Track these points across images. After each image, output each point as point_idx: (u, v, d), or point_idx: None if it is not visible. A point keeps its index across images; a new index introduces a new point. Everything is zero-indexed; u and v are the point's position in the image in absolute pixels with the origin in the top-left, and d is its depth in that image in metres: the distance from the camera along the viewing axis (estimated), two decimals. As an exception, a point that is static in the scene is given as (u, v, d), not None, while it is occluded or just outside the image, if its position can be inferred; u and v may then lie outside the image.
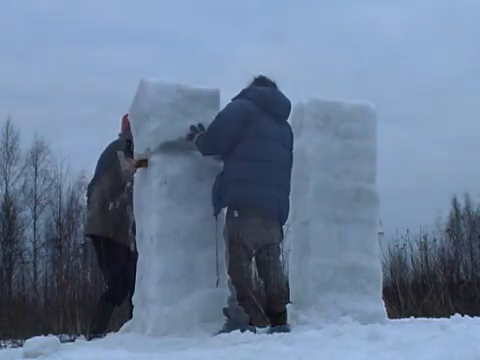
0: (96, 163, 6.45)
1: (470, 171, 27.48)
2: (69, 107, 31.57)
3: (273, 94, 5.20)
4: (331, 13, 35.36)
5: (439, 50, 36.08)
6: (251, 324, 4.88)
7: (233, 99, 5.26)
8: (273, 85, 5.28)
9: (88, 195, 6.45)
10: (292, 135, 5.30)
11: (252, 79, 5.33)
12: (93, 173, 6.49)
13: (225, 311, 4.90)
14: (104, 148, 6.51)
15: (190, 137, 5.20)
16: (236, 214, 4.95)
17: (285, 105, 5.25)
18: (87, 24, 32.82)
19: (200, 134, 5.18)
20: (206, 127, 5.18)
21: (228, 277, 5.01)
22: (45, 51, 32.14)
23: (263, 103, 5.11)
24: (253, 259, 5.14)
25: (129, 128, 6.22)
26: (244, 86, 5.32)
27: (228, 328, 4.71)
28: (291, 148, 5.26)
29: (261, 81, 5.29)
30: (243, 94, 5.21)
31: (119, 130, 6.51)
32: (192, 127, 5.21)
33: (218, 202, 5.05)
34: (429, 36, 36.02)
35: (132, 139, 5.81)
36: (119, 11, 34.79)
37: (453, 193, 26.82)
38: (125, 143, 6.19)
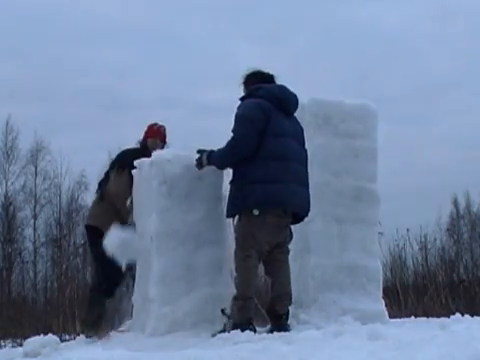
0: (111, 163, 6.50)
1: (470, 170, 27.45)
2: (69, 107, 31.56)
3: (282, 91, 5.15)
4: (330, 12, 35.35)
5: (438, 48, 36.07)
6: (252, 324, 4.85)
7: (241, 99, 5.19)
8: (271, 77, 5.25)
9: (99, 188, 6.47)
10: (302, 130, 5.24)
11: (245, 74, 5.27)
12: (107, 170, 6.50)
13: (223, 311, 4.88)
14: (121, 150, 6.57)
15: (199, 163, 5.16)
16: (257, 212, 4.90)
17: (294, 101, 5.21)
18: (87, 23, 32.80)
19: (209, 151, 5.12)
20: (203, 153, 5.16)
21: (234, 274, 4.99)
22: (45, 50, 32.11)
23: (275, 100, 5.06)
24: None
25: (152, 137, 6.36)
26: (237, 84, 5.29)
27: (229, 328, 4.70)
28: (304, 143, 5.21)
29: (260, 76, 5.24)
30: (253, 93, 5.14)
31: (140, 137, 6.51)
32: (198, 156, 5.19)
33: (242, 203, 4.94)
34: (428, 34, 36.00)
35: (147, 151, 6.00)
36: (119, 10, 34.79)
37: (453, 192, 26.80)
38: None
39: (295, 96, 5.21)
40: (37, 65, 31.45)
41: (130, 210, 5.99)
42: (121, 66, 32.81)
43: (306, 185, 5.10)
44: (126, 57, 33.18)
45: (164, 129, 6.52)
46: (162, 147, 6.40)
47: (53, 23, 32.88)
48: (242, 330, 4.56)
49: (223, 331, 4.66)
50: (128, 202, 6.02)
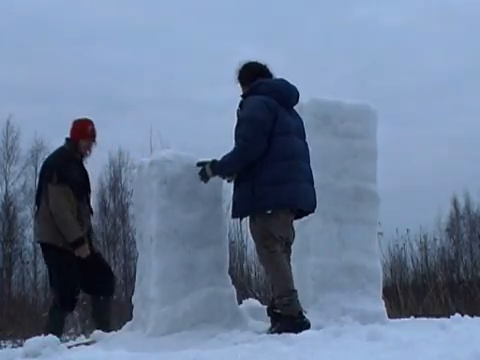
0: (43, 171, 6.23)
1: (470, 170, 27.46)
2: (69, 107, 31.54)
3: (285, 85, 5.08)
4: (330, 12, 35.35)
5: (438, 48, 36.08)
6: (304, 316, 4.76)
7: (244, 96, 5.10)
8: (266, 68, 5.17)
9: (37, 204, 6.25)
10: (302, 122, 5.17)
11: (239, 68, 5.18)
12: (39, 182, 6.28)
13: (269, 311, 4.84)
14: (50, 155, 6.37)
15: (204, 176, 5.03)
16: (269, 211, 4.86)
17: (296, 95, 5.14)
18: (87, 23, 32.82)
19: (211, 161, 5.00)
20: (205, 164, 5.03)
21: (265, 276, 4.94)
22: (45, 50, 32.14)
23: (279, 96, 4.98)
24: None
25: (85, 139, 6.19)
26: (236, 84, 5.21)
27: (282, 326, 4.65)
28: (305, 137, 5.15)
29: (256, 68, 5.15)
30: (256, 89, 5.03)
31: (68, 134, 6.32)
32: (201, 169, 5.06)
33: (254, 204, 4.86)
34: (427, 34, 36.01)
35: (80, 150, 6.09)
36: (118, 10, 34.78)
37: (453, 192, 26.81)
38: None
39: (296, 89, 5.15)
40: (37, 65, 31.48)
41: (72, 224, 5.94)
42: (121, 66, 32.83)
43: (312, 182, 5.08)
44: (126, 57, 33.21)
45: (95, 127, 6.31)
46: (93, 147, 6.28)
47: (53, 23, 32.91)
48: (297, 323, 4.57)
49: (277, 330, 4.62)
50: (69, 215, 5.95)
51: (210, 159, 5.06)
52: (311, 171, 5.10)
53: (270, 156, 4.88)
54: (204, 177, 5.06)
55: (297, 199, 4.94)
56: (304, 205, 5.03)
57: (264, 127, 4.88)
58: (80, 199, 6.12)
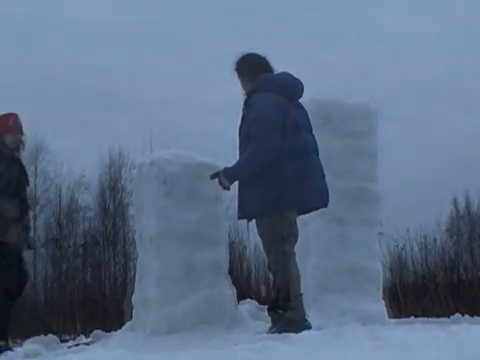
0: None
1: (470, 170, 27.44)
2: (69, 107, 31.51)
3: (291, 80, 4.98)
4: (329, 12, 35.34)
5: (439, 48, 36.04)
6: (307, 320, 4.68)
7: (249, 93, 4.96)
8: (264, 59, 5.06)
9: None
10: (307, 113, 5.05)
11: (237, 60, 5.05)
12: None
13: (269, 311, 4.79)
14: None
15: (222, 184, 4.88)
16: (276, 211, 4.76)
17: (301, 88, 5.04)
18: (87, 23, 32.79)
19: (223, 169, 4.88)
20: (217, 174, 4.89)
21: (272, 277, 4.86)
22: (45, 50, 32.12)
23: (286, 92, 4.88)
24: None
25: (10, 132, 6.03)
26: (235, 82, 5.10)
27: (283, 326, 4.55)
28: (312, 130, 5.03)
29: (256, 61, 5.04)
30: (262, 86, 4.91)
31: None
32: (218, 181, 4.91)
33: (272, 204, 4.72)
34: (428, 34, 35.97)
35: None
36: (118, 10, 34.77)
37: (453, 192, 26.79)
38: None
39: (301, 82, 5.04)
40: (37, 65, 31.47)
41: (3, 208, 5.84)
42: (121, 66, 32.78)
43: (324, 176, 4.98)
44: (126, 57, 33.19)
45: (18, 119, 6.16)
46: (22, 139, 6.14)
47: (53, 22, 32.90)
48: (299, 327, 4.44)
49: (277, 330, 4.52)
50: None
51: (222, 168, 4.93)
52: (321, 164, 4.99)
53: (283, 155, 4.75)
54: (225, 187, 4.92)
55: (312, 198, 4.85)
56: (318, 203, 4.94)
57: (277, 127, 4.75)
58: (14, 195, 5.98)
